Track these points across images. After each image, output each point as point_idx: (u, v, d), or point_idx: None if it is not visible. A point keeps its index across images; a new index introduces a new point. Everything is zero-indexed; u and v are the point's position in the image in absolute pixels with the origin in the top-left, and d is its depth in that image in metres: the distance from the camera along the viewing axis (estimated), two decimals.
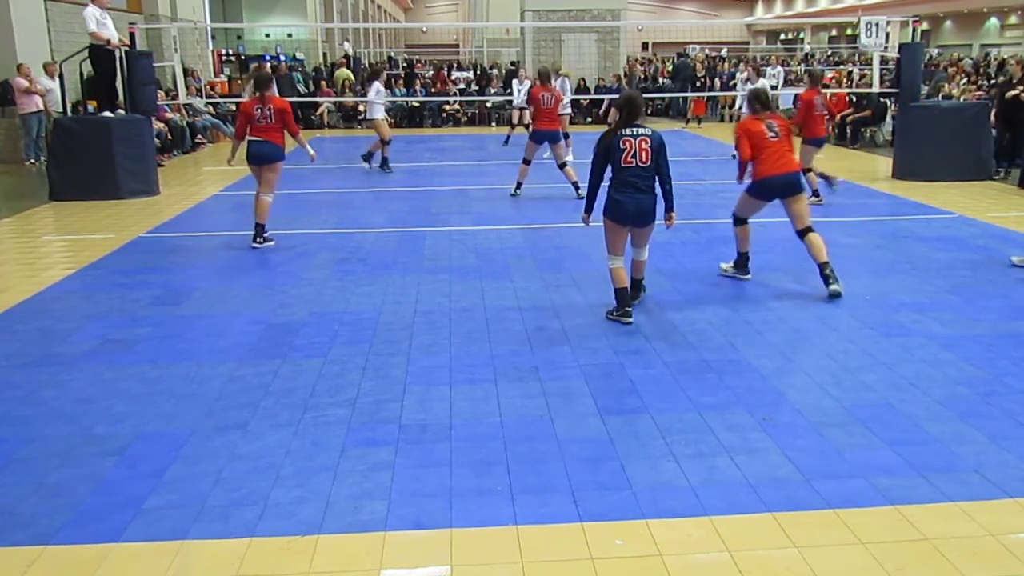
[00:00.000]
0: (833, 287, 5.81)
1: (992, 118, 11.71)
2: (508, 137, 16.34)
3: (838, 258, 7.06)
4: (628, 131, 5.19)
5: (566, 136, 13.99)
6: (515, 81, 16.54)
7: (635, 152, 5.16)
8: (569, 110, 14.61)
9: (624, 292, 5.36)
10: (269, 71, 12.20)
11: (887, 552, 2.91)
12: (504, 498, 3.27)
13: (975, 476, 3.41)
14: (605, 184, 5.30)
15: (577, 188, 9.99)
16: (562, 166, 10.23)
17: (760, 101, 6.21)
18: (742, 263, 6.43)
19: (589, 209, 5.53)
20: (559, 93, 10.67)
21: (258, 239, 7.70)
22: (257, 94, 7.55)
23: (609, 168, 5.27)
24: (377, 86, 13.26)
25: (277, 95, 7.84)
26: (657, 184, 5.31)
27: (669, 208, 5.42)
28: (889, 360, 4.70)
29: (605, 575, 2.82)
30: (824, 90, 9.18)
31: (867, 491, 3.30)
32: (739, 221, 6.38)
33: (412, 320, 5.51)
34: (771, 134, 5.98)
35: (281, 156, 7.81)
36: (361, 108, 18.51)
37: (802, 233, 6.04)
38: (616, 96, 9.01)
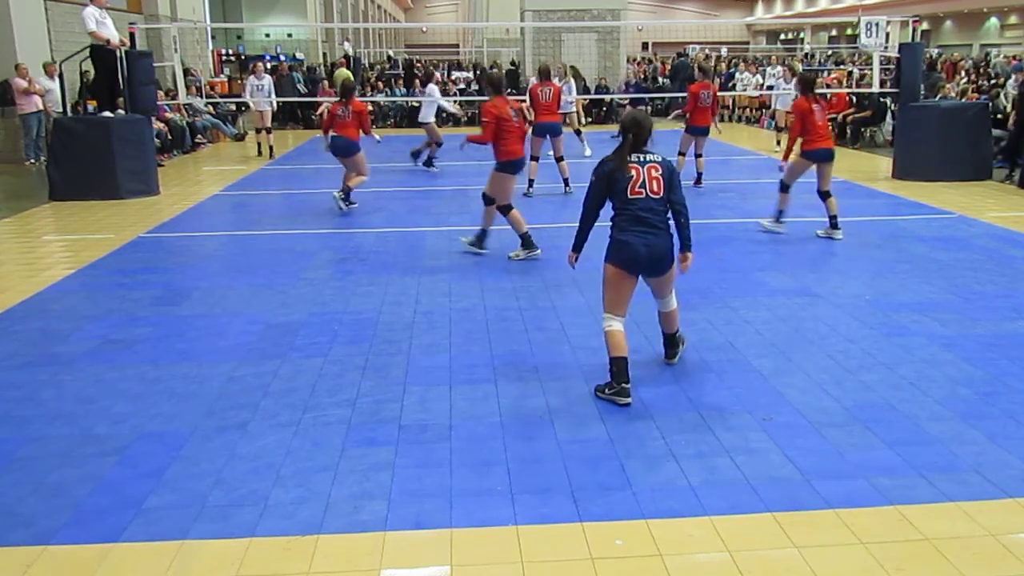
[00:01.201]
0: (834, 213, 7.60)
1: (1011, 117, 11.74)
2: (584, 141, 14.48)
3: (838, 258, 7.08)
4: (634, 157, 4.25)
5: (578, 133, 14.11)
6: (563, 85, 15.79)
7: (644, 181, 4.21)
8: (573, 109, 14.57)
9: (622, 363, 4.17)
10: (353, 80, 13.28)
11: (887, 552, 2.91)
12: (504, 498, 3.27)
13: (975, 476, 3.41)
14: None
15: (567, 184, 10.26)
16: (559, 159, 10.38)
17: (807, 85, 7.70)
18: (779, 216, 7.93)
19: (578, 247, 4.54)
20: (557, 88, 10.70)
21: (344, 203, 9.31)
22: (343, 100, 9.22)
23: (610, 203, 4.37)
24: (432, 87, 13.48)
25: (358, 100, 9.47)
26: (668, 222, 4.33)
27: (685, 248, 4.39)
28: (889, 360, 4.70)
29: (605, 575, 2.82)
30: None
31: (867, 491, 3.30)
32: (785, 188, 7.84)
33: (412, 320, 5.51)
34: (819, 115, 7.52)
35: (356, 148, 9.28)
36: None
37: (824, 195, 7.68)
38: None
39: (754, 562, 2.87)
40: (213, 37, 26.50)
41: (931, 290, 6.08)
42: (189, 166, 13.95)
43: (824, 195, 7.65)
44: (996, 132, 12.26)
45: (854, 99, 15.87)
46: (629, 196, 4.23)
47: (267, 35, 30.97)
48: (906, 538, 3.00)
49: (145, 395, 4.30)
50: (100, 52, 10.50)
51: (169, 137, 14.63)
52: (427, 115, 13.05)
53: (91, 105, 11.37)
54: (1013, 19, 41.09)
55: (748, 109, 21.34)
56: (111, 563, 2.89)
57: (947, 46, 39.37)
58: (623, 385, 4.14)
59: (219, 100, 18.48)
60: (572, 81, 15.43)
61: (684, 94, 12.10)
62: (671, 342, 4.70)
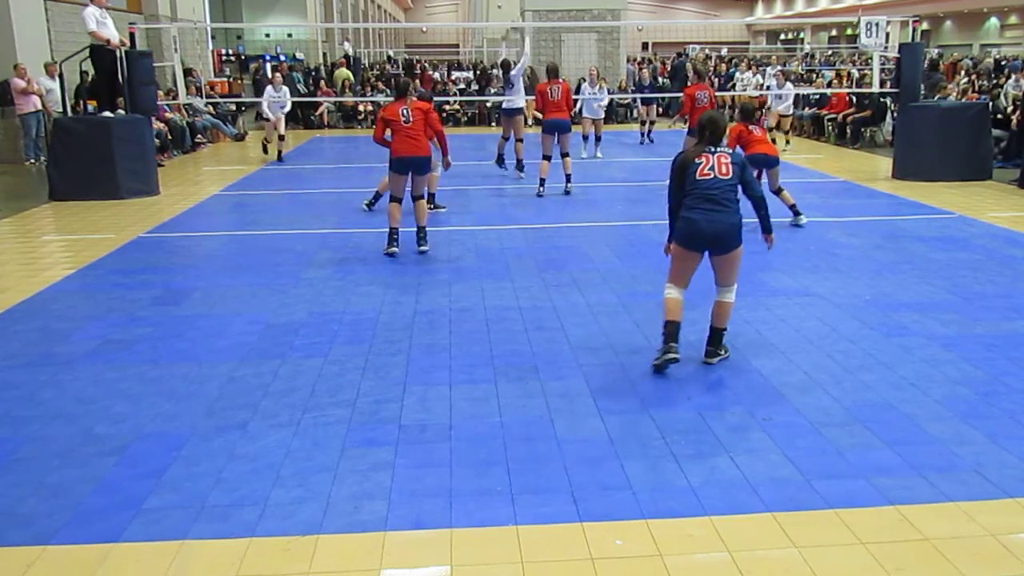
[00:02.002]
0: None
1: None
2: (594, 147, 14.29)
3: (838, 258, 7.08)
4: (707, 149, 4.58)
5: (598, 139, 14.15)
6: (586, 86, 15.10)
7: (713, 165, 4.51)
8: (602, 115, 14.49)
9: (674, 327, 4.55)
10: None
11: (887, 552, 2.91)
12: (504, 498, 3.27)
13: (975, 476, 3.41)
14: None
15: (568, 180, 10.40)
16: (565, 155, 10.43)
17: (746, 115, 8.46)
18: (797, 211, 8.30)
19: (671, 238, 4.78)
20: (566, 86, 10.62)
21: (431, 205, 8.86)
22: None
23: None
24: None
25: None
26: (738, 204, 4.57)
27: (767, 231, 4.86)
28: (889, 360, 4.70)
29: (605, 575, 2.82)
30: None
31: (867, 491, 3.30)
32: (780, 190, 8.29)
33: (412, 320, 5.51)
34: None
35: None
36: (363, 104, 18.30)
37: (776, 191, 8.17)
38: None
39: (754, 562, 2.87)
40: (213, 37, 26.52)
41: (931, 290, 6.08)
42: (189, 166, 13.95)
43: (776, 192, 8.28)
44: (996, 132, 12.26)
45: (854, 99, 15.87)
46: (697, 178, 4.52)
47: (267, 35, 31.00)
48: (906, 538, 3.00)
49: (145, 395, 4.30)
50: (100, 52, 10.49)
51: (169, 137, 14.62)
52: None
53: (91, 105, 11.36)
54: (1013, 19, 41.10)
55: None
56: (111, 563, 2.89)
57: (947, 46, 39.39)
58: (671, 345, 4.51)
59: (219, 100, 18.47)
60: (604, 86, 15.38)
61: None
62: (715, 339, 4.75)
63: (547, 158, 10.33)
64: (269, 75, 23.56)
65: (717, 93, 18.44)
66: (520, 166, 11.75)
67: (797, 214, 8.35)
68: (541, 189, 10.31)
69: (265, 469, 3.51)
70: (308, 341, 5.11)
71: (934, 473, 3.43)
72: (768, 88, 20.31)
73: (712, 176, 4.49)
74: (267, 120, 14.02)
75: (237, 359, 4.80)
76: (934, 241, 7.63)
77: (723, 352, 4.76)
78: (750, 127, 8.46)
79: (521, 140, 11.69)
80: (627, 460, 3.56)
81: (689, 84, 11.55)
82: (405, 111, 7.17)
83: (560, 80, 10.57)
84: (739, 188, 4.57)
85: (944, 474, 3.42)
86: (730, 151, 4.65)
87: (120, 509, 3.20)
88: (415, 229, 7.39)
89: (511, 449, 3.67)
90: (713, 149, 4.59)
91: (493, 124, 20.28)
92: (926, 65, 14.56)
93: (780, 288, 6.16)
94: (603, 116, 14.67)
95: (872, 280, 6.39)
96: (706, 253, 4.66)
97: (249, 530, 3.07)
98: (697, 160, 4.54)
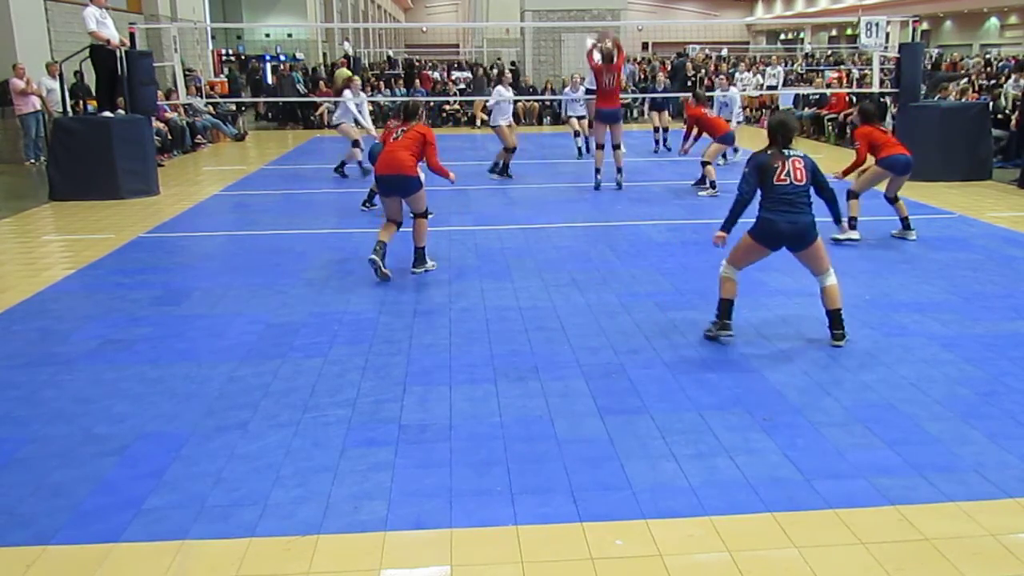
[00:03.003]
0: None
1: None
2: (580, 149, 14.19)
3: (838, 258, 7.05)
4: (781, 152, 4.91)
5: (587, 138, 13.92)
6: (568, 89, 14.97)
7: (789, 171, 4.86)
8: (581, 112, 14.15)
9: (728, 305, 5.01)
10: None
11: (887, 552, 2.91)
12: (504, 498, 3.27)
13: (975, 476, 3.41)
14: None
15: (620, 172, 10.53)
16: (616, 147, 10.49)
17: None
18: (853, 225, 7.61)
19: (727, 228, 5.05)
20: (620, 69, 10.34)
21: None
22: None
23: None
24: (500, 89, 12.25)
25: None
26: (811, 204, 4.93)
27: (837, 220, 5.28)
28: (889, 360, 4.70)
29: (605, 575, 2.82)
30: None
31: (867, 491, 3.30)
32: (855, 195, 7.73)
33: (412, 320, 5.51)
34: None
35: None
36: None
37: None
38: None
39: (754, 562, 2.87)
40: (213, 37, 26.53)
41: (931, 290, 6.08)
42: (189, 166, 13.95)
43: (892, 200, 7.85)
44: (996, 132, 12.26)
45: (854, 99, 15.87)
46: (775, 183, 4.88)
47: (267, 35, 31.02)
48: (906, 538, 3.00)
49: (145, 395, 4.30)
50: (100, 52, 10.49)
51: (169, 137, 14.62)
52: (497, 118, 11.94)
53: (91, 105, 11.36)
54: (1013, 19, 41.09)
55: (748, 109, 21.35)
56: (111, 563, 2.89)
57: (947, 46, 39.38)
58: (726, 322, 5.01)
59: (219, 100, 18.47)
60: (583, 85, 15.20)
61: (683, 94, 12.11)
62: (835, 320, 4.99)
63: (600, 147, 10.39)
64: (270, 75, 23.64)
65: (717, 94, 18.34)
66: (496, 168, 11.83)
67: (908, 228, 7.72)
68: (598, 176, 10.44)
69: (265, 469, 3.51)
70: (308, 341, 5.11)
71: (934, 473, 3.43)
72: (772, 88, 20.38)
73: (788, 182, 4.85)
74: (348, 127, 12.01)
75: (237, 359, 4.80)
76: (934, 241, 7.63)
77: (846, 336, 5.00)
78: (880, 127, 7.89)
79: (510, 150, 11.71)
80: (627, 460, 3.56)
81: (692, 106, 11.36)
82: (401, 130, 6.72)
83: (615, 65, 10.12)
84: (812, 190, 4.93)
85: (944, 474, 3.42)
86: (802, 155, 4.94)
87: (120, 509, 3.20)
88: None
89: (511, 449, 3.67)
90: (788, 153, 4.91)
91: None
92: (928, 65, 14.55)
93: (780, 288, 6.16)
94: (587, 115, 14.19)
95: (872, 280, 6.39)
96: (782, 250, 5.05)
97: (249, 530, 3.07)
98: (774, 165, 4.87)
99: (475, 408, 4.12)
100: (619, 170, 10.50)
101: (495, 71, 17.05)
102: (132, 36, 10.70)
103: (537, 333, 5.23)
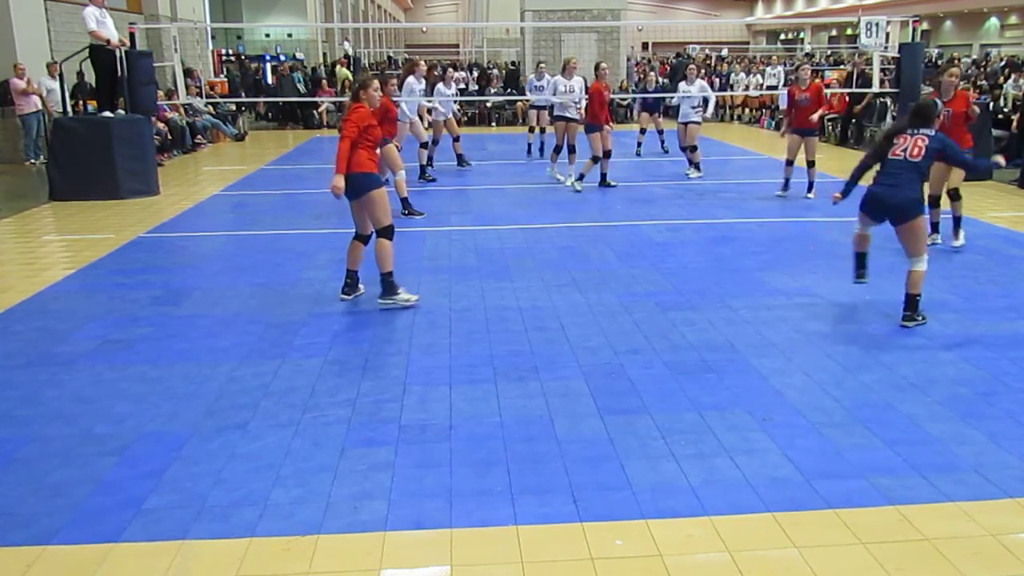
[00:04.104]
0: None
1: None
2: (531, 146, 14.25)
3: (838, 258, 7.07)
4: (909, 130, 5.23)
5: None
6: (533, 76, 14.32)
7: (907, 147, 5.14)
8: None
9: (862, 258, 5.59)
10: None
11: (887, 552, 2.91)
12: (504, 498, 3.27)
13: (975, 476, 3.41)
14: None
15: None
16: (606, 154, 10.54)
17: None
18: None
19: (846, 192, 5.53)
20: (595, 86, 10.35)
21: (406, 211, 8.65)
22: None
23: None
24: (440, 87, 12.15)
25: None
26: (920, 181, 5.18)
27: (981, 167, 5.90)
28: (889, 360, 4.70)
29: (605, 575, 2.82)
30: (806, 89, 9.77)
31: (867, 491, 3.30)
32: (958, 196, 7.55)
33: (412, 320, 5.51)
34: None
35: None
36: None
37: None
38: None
39: (754, 562, 2.87)
40: (213, 37, 26.52)
41: (931, 290, 6.07)
42: (189, 166, 13.95)
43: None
44: (996, 132, 12.26)
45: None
46: (890, 157, 5.20)
47: (267, 35, 31.03)
48: (906, 538, 3.00)
49: (145, 395, 4.30)
50: (100, 52, 10.49)
51: (169, 137, 14.62)
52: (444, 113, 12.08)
53: (91, 105, 11.35)
54: (1013, 19, 41.09)
55: (748, 109, 21.37)
56: (111, 563, 2.89)
57: (947, 46, 39.40)
58: (862, 270, 5.61)
59: (219, 100, 18.47)
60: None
61: (682, 94, 12.06)
62: (910, 303, 5.28)
63: (607, 155, 10.54)
64: (270, 75, 23.60)
65: (719, 94, 18.23)
66: (424, 171, 11.47)
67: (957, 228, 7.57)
68: (610, 182, 10.72)
69: (265, 469, 3.51)
70: (308, 341, 5.11)
71: (934, 473, 3.43)
72: (772, 88, 20.34)
73: (902, 157, 5.14)
74: (436, 120, 11.98)
75: (237, 359, 4.80)
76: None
77: (919, 318, 5.25)
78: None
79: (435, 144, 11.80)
80: (627, 460, 3.56)
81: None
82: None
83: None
84: (926, 167, 5.16)
85: (944, 474, 3.42)
86: (931, 134, 5.18)
87: (120, 509, 3.20)
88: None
89: (511, 449, 3.67)
90: (914, 131, 5.18)
91: (493, 124, 20.31)
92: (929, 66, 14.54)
93: (780, 288, 6.16)
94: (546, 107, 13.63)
95: (872, 280, 6.38)
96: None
97: (249, 530, 3.07)
98: (895, 140, 5.21)
99: (475, 408, 4.12)
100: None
101: (442, 70, 16.31)
102: (132, 36, 10.70)
103: (537, 333, 5.23)
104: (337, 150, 5.43)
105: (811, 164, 9.76)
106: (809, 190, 9.81)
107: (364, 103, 5.65)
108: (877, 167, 5.30)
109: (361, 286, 6.00)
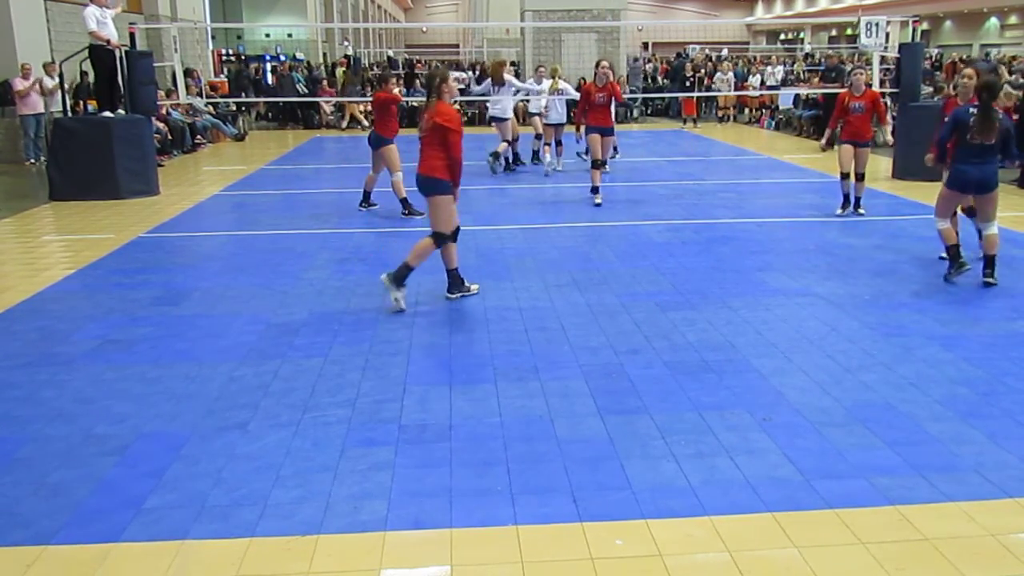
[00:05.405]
0: None
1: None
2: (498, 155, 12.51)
3: (838, 258, 7.08)
4: (975, 110, 5.91)
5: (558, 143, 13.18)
6: (532, 80, 13.92)
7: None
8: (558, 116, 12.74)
9: (955, 249, 6.18)
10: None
11: (887, 552, 2.91)
12: (504, 498, 3.27)
13: (975, 476, 3.41)
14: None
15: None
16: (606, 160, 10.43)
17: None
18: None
19: (941, 159, 6.40)
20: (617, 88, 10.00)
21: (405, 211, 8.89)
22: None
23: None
24: (511, 80, 12.43)
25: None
26: (996, 157, 6.03)
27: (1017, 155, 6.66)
28: (889, 360, 4.70)
29: (605, 575, 2.82)
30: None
31: (867, 491, 3.30)
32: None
33: (412, 320, 5.51)
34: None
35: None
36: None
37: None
38: None
39: (754, 562, 2.87)
40: (213, 37, 26.51)
41: (931, 290, 6.08)
42: (189, 166, 13.95)
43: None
44: None
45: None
46: (968, 139, 5.94)
47: (267, 35, 31.04)
48: (906, 538, 3.00)
49: (145, 395, 4.30)
50: (100, 52, 10.49)
51: (169, 137, 14.62)
52: (505, 110, 12.26)
53: (91, 105, 11.35)
54: (1013, 19, 41.11)
55: (748, 109, 21.38)
56: (111, 563, 2.89)
57: (947, 46, 39.40)
58: (961, 261, 6.17)
59: (219, 100, 18.48)
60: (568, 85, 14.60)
61: (681, 94, 12.04)
62: (989, 263, 6.14)
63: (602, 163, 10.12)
64: (269, 74, 23.60)
65: (717, 94, 18.25)
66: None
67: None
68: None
69: (265, 469, 3.51)
70: (308, 341, 5.11)
71: (934, 473, 3.43)
72: (772, 88, 20.35)
73: (979, 141, 5.90)
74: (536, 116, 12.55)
75: (237, 359, 4.80)
76: (934, 241, 7.60)
77: (994, 280, 6.08)
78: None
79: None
80: (627, 460, 3.56)
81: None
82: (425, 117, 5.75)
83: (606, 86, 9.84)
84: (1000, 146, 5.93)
85: (944, 474, 3.42)
86: (1001, 116, 5.91)
87: (120, 509, 3.20)
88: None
89: (511, 449, 3.67)
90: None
91: (493, 124, 20.28)
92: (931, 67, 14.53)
93: (780, 288, 6.16)
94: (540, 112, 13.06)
95: (872, 280, 6.38)
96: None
97: (249, 530, 3.07)
98: (971, 124, 5.88)
99: (475, 408, 4.12)
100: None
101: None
102: (132, 36, 10.70)
103: (537, 333, 5.23)
104: (454, 160, 5.75)
105: (860, 177, 8.74)
106: (857, 206, 8.83)
107: (444, 97, 5.74)
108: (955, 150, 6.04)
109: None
